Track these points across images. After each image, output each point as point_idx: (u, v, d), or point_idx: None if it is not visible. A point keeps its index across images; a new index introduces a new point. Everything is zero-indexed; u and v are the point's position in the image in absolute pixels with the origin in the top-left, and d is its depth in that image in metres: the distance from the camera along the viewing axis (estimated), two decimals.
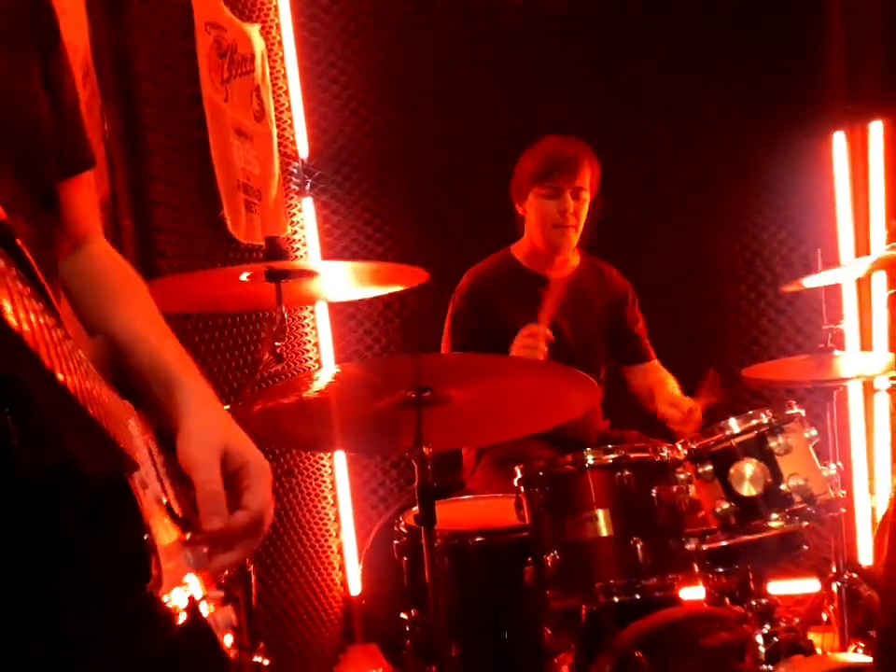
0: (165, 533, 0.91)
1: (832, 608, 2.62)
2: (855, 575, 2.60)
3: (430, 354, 2.51)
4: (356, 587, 3.33)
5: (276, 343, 1.76)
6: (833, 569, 2.59)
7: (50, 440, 0.73)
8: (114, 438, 0.82)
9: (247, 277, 1.79)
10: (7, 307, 0.60)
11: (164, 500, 0.95)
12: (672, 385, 2.80)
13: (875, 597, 2.54)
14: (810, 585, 3.03)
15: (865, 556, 3.15)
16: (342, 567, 3.35)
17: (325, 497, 3.32)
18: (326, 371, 2.15)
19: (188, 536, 0.95)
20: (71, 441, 0.76)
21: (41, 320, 0.66)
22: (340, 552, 3.36)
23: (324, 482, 3.32)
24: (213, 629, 0.96)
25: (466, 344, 2.74)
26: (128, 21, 2.28)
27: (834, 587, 2.57)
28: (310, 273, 1.81)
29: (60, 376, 0.67)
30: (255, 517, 0.98)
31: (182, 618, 0.85)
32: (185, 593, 0.89)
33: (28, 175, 0.95)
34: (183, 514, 0.97)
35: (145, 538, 0.85)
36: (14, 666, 0.80)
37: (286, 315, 1.74)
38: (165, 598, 0.83)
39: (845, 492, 2.51)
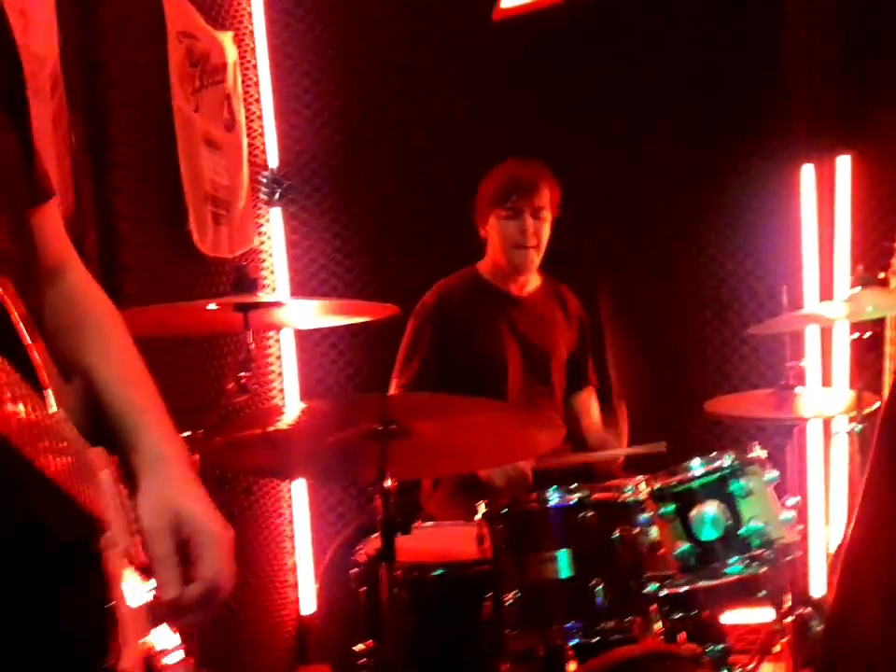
0: (131, 591, 0.91)
1: (784, 641, 2.65)
2: (808, 609, 2.63)
3: (397, 394, 2.51)
4: (310, 606, 3.29)
5: (241, 374, 1.73)
6: (787, 603, 2.61)
7: (20, 509, 0.75)
8: (85, 507, 0.83)
9: (215, 306, 1.75)
10: None
11: (133, 551, 0.95)
12: (594, 416, 2.90)
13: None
14: (765, 614, 3.06)
15: (819, 588, 3.19)
16: (296, 586, 3.31)
17: (281, 514, 3.28)
18: (291, 408, 2.12)
19: (151, 592, 0.95)
20: (43, 513, 0.77)
21: (26, 410, 0.69)
22: (295, 570, 3.32)
23: (281, 498, 3.29)
24: None
25: (423, 360, 2.73)
26: (100, 30, 2.24)
27: (787, 621, 2.59)
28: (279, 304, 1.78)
29: (38, 465, 0.70)
30: (208, 588, 0.96)
31: None
32: (144, 654, 0.89)
33: (6, 205, 0.95)
34: (147, 561, 0.96)
35: (108, 606, 0.85)
36: None
37: (252, 346, 1.71)
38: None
39: (802, 526, 2.56)
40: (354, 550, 2.16)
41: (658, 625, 1.93)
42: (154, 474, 0.99)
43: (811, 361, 3.10)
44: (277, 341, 3.32)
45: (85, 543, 0.85)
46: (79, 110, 2.17)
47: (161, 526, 0.95)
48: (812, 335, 3.16)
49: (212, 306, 1.75)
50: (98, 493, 0.90)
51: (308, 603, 3.31)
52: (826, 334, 3.17)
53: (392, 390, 2.73)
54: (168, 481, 0.99)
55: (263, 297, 1.74)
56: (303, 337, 3.33)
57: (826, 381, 3.15)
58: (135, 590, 0.93)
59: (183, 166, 2.57)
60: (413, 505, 2.78)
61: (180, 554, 0.95)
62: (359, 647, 2.05)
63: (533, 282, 2.88)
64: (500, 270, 2.83)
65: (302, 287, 3.36)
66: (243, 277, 1.69)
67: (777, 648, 2.72)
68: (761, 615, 3.07)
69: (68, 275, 1.12)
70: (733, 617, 3.11)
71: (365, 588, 2.09)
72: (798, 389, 2.59)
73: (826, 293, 3.15)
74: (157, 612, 0.95)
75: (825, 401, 2.74)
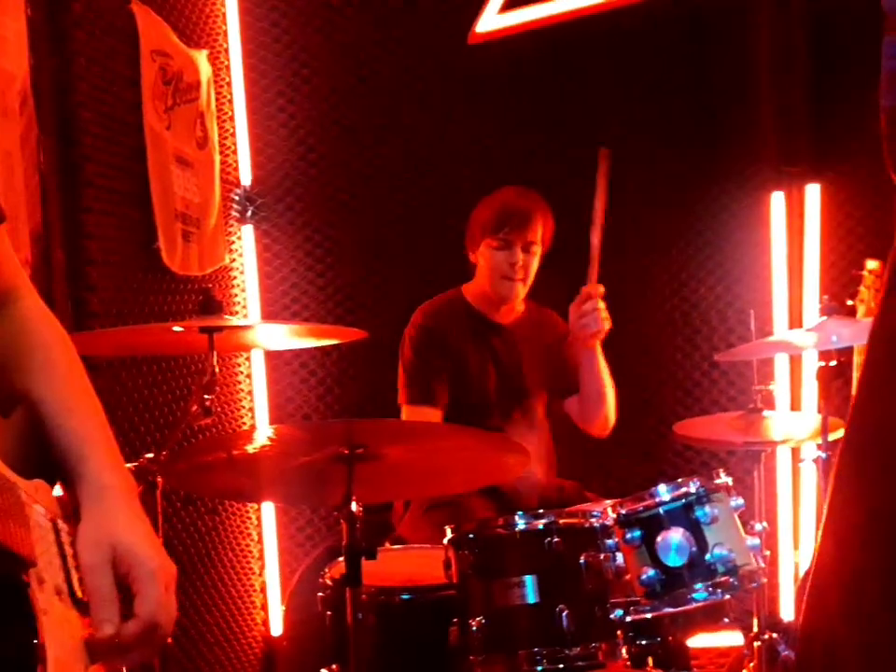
0: (62, 628, 0.89)
1: (752, 665, 2.66)
2: (776, 634, 2.64)
3: (364, 420, 2.50)
4: (277, 628, 3.26)
5: (206, 396, 1.71)
6: (755, 628, 2.63)
7: None
8: (7, 545, 0.82)
9: (181, 328, 1.74)
10: None
11: (67, 587, 0.94)
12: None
13: (791, 658, 2.58)
14: (733, 638, 3.07)
15: (787, 612, 3.20)
16: (264, 607, 3.28)
17: (249, 535, 3.25)
18: (258, 431, 2.11)
19: (86, 632, 0.93)
20: None
21: None
22: (263, 590, 3.29)
23: (249, 519, 3.26)
24: None
25: (426, 384, 2.70)
26: (71, 49, 2.23)
27: (755, 645, 2.60)
28: (245, 327, 1.77)
29: None
30: (146, 625, 0.95)
31: None
32: None
33: None
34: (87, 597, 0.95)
35: (34, 642, 0.83)
36: None
37: (217, 370, 1.70)
38: None
39: (769, 552, 2.57)
40: (322, 572, 2.15)
41: (624, 652, 1.93)
42: (94, 506, 0.98)
43: (780, 386, 3.12)
44: (248, 360, 3.30)
45: (9, 580, 0.84)
46: (49, 129, 2.16)
47: (97, 561, 0.94)
48: (781, 360, 3.19)
49: (177, 328, 1.74)
50: (26, 530, 0.88)
51: (276, 625, 3.28)
52: (795, 359, 3.20)
53: (408, 417, 2.68)
54: (108, 513, 0.98)
55: (229, 320, 1.73)
56: (274, 357, 3.31)
57: (795, 405, 3.18)
58: (71, 627, 0.91)
59: (153, 184, 2.56)
60: (384, 525, 2.78)
61: (117, 590, 0.94)
62: (324, 671, 2.04)
63: (516, 309, 2.87)
64: (486, 297, 2.82)
65: (274, 305, 3.35)
66: (208, 300, 1.68)
67: None
68: (729, 639, 3.09)
69: (18, 302, 1.10)
70: (702, 640, 3.14)
71: (330, 613, 2.07)
72: (766, 413, 2.61)
73: (795, 320, 3.19)
74: (95, 650, 0.93)
75: (794, 426, 2.76)
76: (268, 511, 3.33)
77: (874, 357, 0.93)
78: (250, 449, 1.76)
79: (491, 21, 3.19)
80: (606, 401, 2.74)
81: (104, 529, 0.96)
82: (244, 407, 3.27)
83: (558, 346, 2.89)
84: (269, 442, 1.77)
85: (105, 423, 1.06)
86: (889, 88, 0.90)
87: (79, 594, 0.95)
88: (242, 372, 3.28)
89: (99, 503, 0.98)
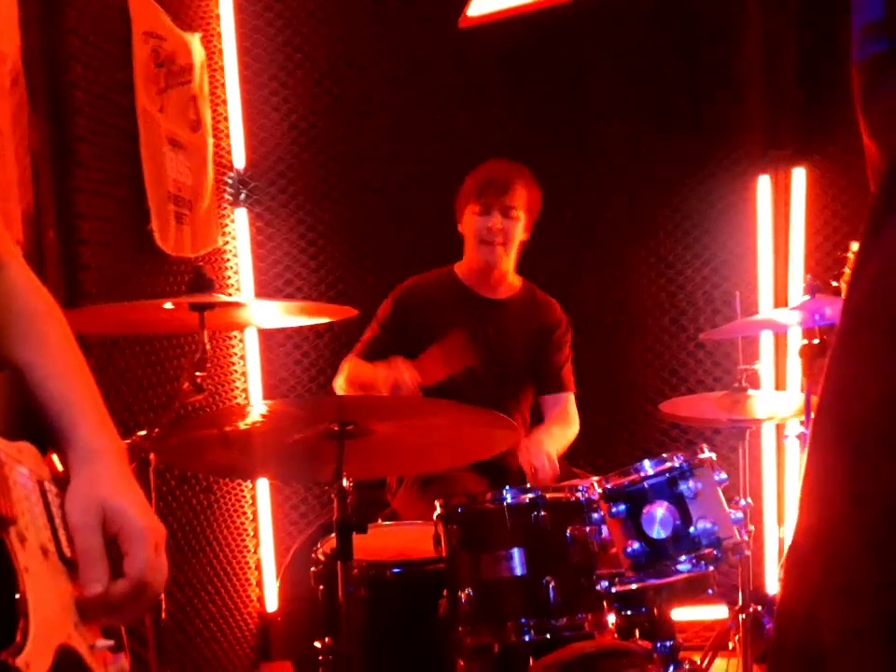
0: (48, 587, 0.91)
1: (737, 637, 2.71)
2: (760, 608, 2.69)
3: (354, 396, 2.53)
4: (272, 604, 3.31)
5: (197, 374, 1.74)
6: (740, 601, 2.68)
7: None
8: None
9: (171, 305, 1.77)
10: None
11: (54, 546, 0.95)
12: (553, 422, 2.85)
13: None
14: (719, 612, 3.12)
15: (772, 587, 3.26)
16: (259, 584, 3.33)
17: (244, 513, 3.29)
18: (250, 408, 2.14)
19: (75, 592, 0.95)
20: None
21: None
22: (258, 568, 3.33)
23: (243, 497, 3.30)
24: None
25: (381, 328, 2.81)
26: (63, 29, 2.24)
27: (740, 618, 2.65)
28: (236, 304, 1.80)
29: None
30: (134, 585, 0.96)
31: None
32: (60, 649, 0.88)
33: None
34: (73, 555, 0.97)
35: (15, 597, 0.85)
36: None
37: (207, 346, 1.73)
38: (22, 665, 0.82)
39: (753, 527, 2.62)
40: (314, 547, 2.19)
41: (610, 622, 1.98)
42: (84, 469, 0.99)
43: (765, 366, 3.16)
44: (241, 341, 3.33)
45: None
46: (42, 109, 2.17)
47: (86, 521, 0.95)
48: (766, 340, 3.23)
49: (168, 305, 1.76)
50: (4, 488, 0.89)
51: (271, 601, 3.32)
52: (780, 340, 3.24)
53: (346, 364, 2.78)
54: (98, 475, 0.99)
55: (219, 298, 1.76)
56: (268, 336, 3.35)
57: (780, 385, 3.22)
58: (58, 586, 0.92)
59: (146, 166, 2.57)
60: (378, 501, 2.82)
61: (107, 550, 0.95)
62: (318, 644, 2.08)
63: (508, 286, 2.90)
64: (473, 270, 2.86)
65: (267, 287, 3.38)
66: (199, 277, 1.71)
67: (731, 644, 2.79)
68: (715, 612, 3.14)
69: (6, 271, 1.10)
70: (688, 614, 3.19)
71: (322, 587, 2.11)
72: (751, 392, 2.65)
73: (781, 301, 3.23)
74: (85, 609, 0.94)
75: (778, 404, 2.80)
76: (262, 489, 3.37)
77: (842, 326, 0.96)
78: (242, 425, 1.79)
79: (482, 4, 3.21)
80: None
81: (93, 490, 0.97)
82: (237, 388, 3.31)
83: (543, 336, 2.92)
84: (261, 419, 1.80)
85: (94, 387, 1.06)
86: (858, 42, 0.92)
87: (68, 553, 0.96)
88: (236, 353, 3.31)
89: (89, 465, 0.99)
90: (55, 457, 1.03)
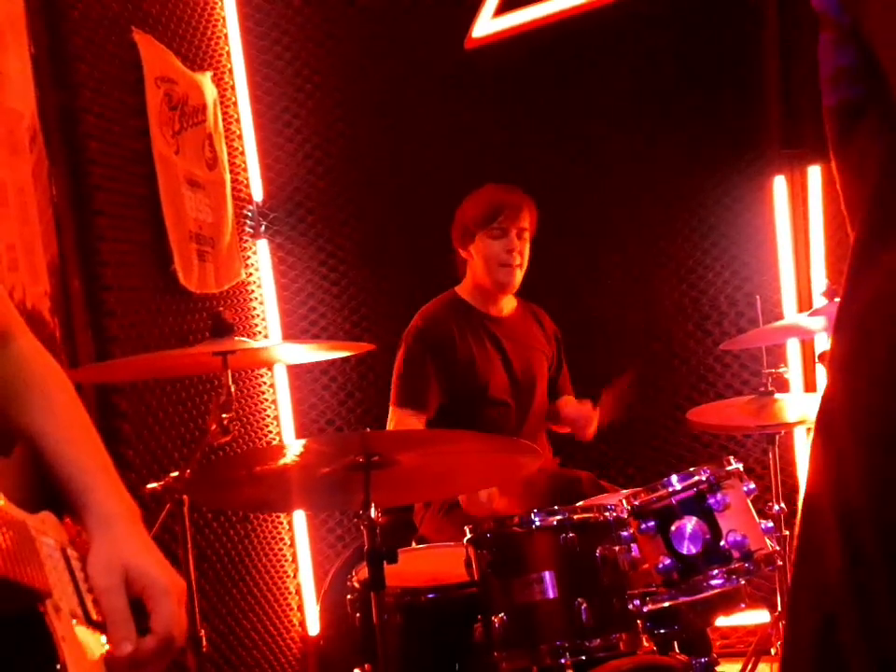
0: (81, 651, 0.95)
1: (779, 644, 2.69)
2: None
3: (378, 431, 2.55)
4: (314, 628, 3.34)
5: (224, 415, 1.78)
6: (779, 607, 2.66)
7: None
8: (24, 582, 0.87)
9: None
10: None
11: (81, 609, 0.99)
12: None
13: None
14: (761, 616, 3.10)
15: None
16: (300, 608, 3.37)
17: (282, 539, 3.33)
18: (278, 449, 2.17)
19: (105, 648, 0.99)
20: None
21: None
22: (298, 592, 3.37)
23: (280, 523, 3.34)
24: None
25: (416, 389, 2.79)
26: (76, 82, 2.30)
27: (780, 624, 2.64)
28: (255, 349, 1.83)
29: None
30: (163, 640, 1.00)
31: None
32: None
33: None
34: (101, 617, 1.00)
35: (57, 668, 0.89)
36: None
37: (232, 388, 1.77)
38: None
39: (788, 532, 2.60)
40: (349, 575, 2.21)
41: (644, 641, 1.98)
42: (103, 533, 1.03)
43: (793, 368, 3.14)
44: (270, 370, 3.38)
45: (27, 613, 0.89)
46: (60, 162, 2.23)
47: (112, 583, 0.99)
48: (793, 342, 3.21)
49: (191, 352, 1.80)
50: (38, 563, 0.93)
51: (312, 625, 3.36)
52: (807, 341, 3.21)
53: (394, 418, 2.76)
54: (116, 538, 1.03)
55: (240, 342, 1.80)
56: (296, 366, 3.39)
57: (809, 387, 3.20)
58: (89, 647, 0.97)
59: (165, 209, 2.63)
60: (411, 523, 2.84)
61: (132, 610, 0.99)
62: (357, 671, 2.11)
63: (509, 304, 2.97)
64: (481, 291, 2.90)
65: (292, 316, 3.43)
66: (218, 323, 1.74)
67: (773, 650, 2.78)
68: (756, 617, 3.12)
69: (13, 342, 1.14)
70: (729, 620, 3.17)
71: (360, 615, 2.14)
72: (778, 395, 2.64)
73: (804, 302, 3.20)
74: (114, 667, 0.99)
75: (807, 407, 2.78)
76: (298, 516, 3.41)
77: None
78: (271, 465, 1.82)
79: (487, 24, 3.23)
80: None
81: (115, 553, 1.01)
82: (268, 416, 3.35)
83: (551, 344, 3.03)
84: (289, 455, 1.83)
85: (104, 452, 1.10)
86: (830, 86, 0.92)
87: (94, 615, 1.00)
88: (265, 383, 3.36)
89: (107, 530, 1.03)
90: (70, 520, 1.07)
